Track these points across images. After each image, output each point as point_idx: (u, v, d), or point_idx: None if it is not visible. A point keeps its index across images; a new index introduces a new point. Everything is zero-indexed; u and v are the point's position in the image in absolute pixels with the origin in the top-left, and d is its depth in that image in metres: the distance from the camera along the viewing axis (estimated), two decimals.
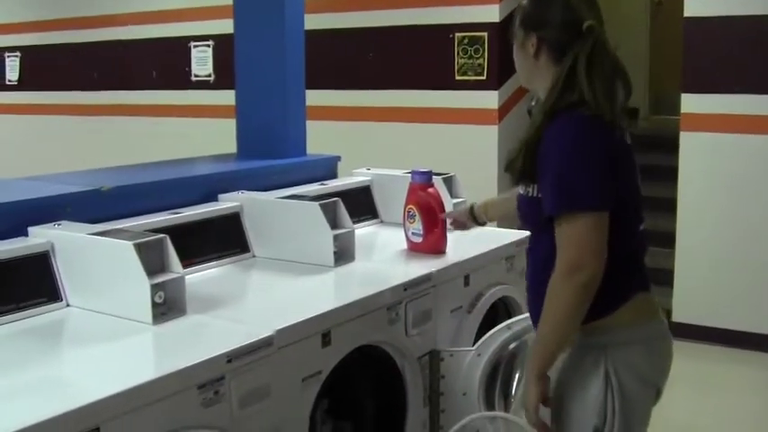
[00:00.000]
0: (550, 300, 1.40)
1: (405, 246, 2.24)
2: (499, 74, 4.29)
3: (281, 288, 1.97)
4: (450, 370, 2.05)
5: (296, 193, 2.31)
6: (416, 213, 2.13)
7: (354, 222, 2.26)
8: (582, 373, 1.47)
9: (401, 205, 2.42)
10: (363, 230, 2.53)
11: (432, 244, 2.11)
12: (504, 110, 4.33)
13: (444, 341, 2.10)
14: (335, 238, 2.10)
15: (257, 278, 2.10)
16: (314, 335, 1.69)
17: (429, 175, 2.05)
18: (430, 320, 2.05)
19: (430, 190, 2.12)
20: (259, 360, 1.54)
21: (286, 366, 1.62)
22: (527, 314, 1.74)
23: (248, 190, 2.33)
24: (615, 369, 1.43)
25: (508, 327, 2.00)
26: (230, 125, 2.94)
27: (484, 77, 4.33)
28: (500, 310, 2.33)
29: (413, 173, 2.08)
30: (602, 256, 1.36)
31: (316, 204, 2.13)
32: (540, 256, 1.48)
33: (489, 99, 4.33)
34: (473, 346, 2.08)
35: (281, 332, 1.61)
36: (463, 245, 2.23)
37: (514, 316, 2.14)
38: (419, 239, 2.12)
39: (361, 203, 2.61)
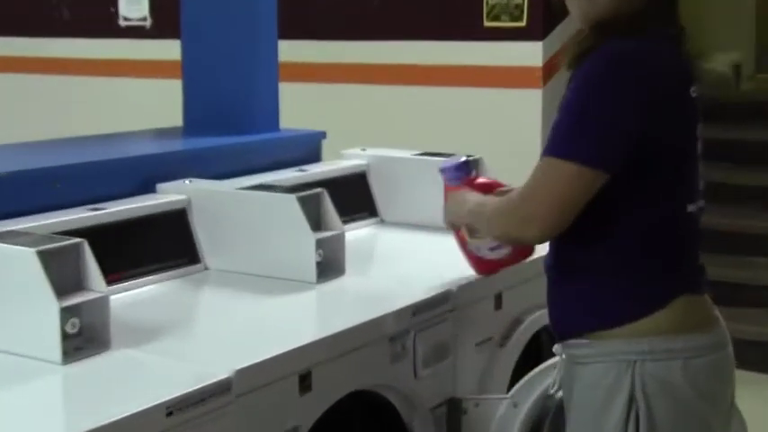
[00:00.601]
0: (491, 217, 1.65)
1: (412, 254, 2.33)
2: (544, 18, 4.24)
3: (242, 312, 1.99)
4: (477, 425, 2.07)
5: (265, 183, 2.34)
6: None
7: (345, 222, 2.30)
8: (599, 393, 1.51)
9: (408, 199, 2.40)
10: (357, 233, 2.58)
11: (523, 249, 2.03)
12: (550, 67, 4.26)
13: (467, 385, 2.13)
14: (319, 243, 2.13)
15: (210, 298, 2.14)
16: (288, 377, 1.70)
17: (466, 165, 1.98)
18: (448, 357, 2.07)
19: (480, 181, 2.02)
20: (212, 413, 1.54)
21: (251, 421, 1.62)
22: None
23: (199, 178, 2.36)
24: (644, 390, 1.49)
25: (555, 366, 1.98)
26: (174, 88, 2.93)
27: (523, 23, 4.29)
28: (544, 343, 2.36)
29: (444, 168, 1.96)
30: (563, 219, 1.49)
31: (292, 198, 2.15)
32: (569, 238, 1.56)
33: (531, 53, 4.28)
34: (507, 392, 2.10)
35: (241, 373, 1.60)
36: None
37: None
38: (503, 252, 2.03)
39: (353, 196, 2.65)
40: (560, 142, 1.51)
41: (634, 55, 1.50)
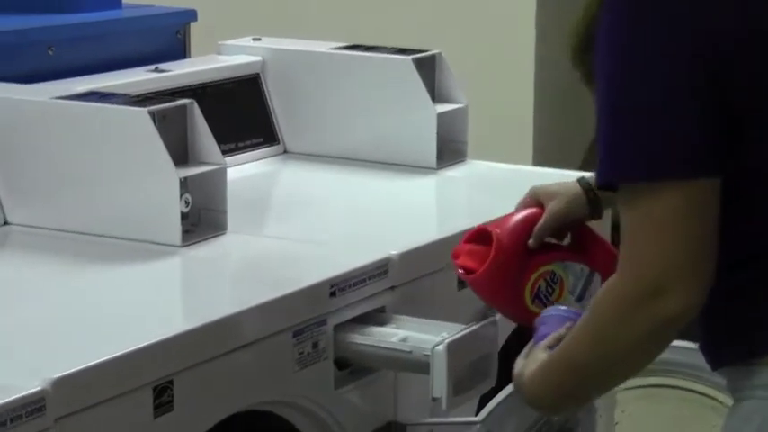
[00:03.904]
0: (595, 335, 1.56)
1: (330, 203, 2.53)
2: None
3: (53, 289, 2.04)
4: None
5: (99, 90, 2.36)
6: (567, 277, 2.11)
7: (228, 153, 2.43)
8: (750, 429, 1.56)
9: (324, 118, 2.55)
10: (246, 169, 2.66)
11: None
12: None
13: (415, 405, 2.15)
14: (185, 184, 2.16)
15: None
16: (138, 390, 1.71)
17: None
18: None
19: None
20: None
21: None
22: None
23: None
24: None
25: None
26: None
27: None
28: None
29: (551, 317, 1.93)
30: (704, 265, 1.47)
31: (143, 112, 2.17)
32: None
33: None
34: (476, 414, 2.13)
35: (59, 387, 1.59)
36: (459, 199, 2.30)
37: None
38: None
39: (240, 113, 2.74)
40: (625, 159, 1.48)
41: None
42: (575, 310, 1.88)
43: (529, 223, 2.03)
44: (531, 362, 1.69)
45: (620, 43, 1.49)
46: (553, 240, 2.07)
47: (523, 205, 2.08)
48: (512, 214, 2.06)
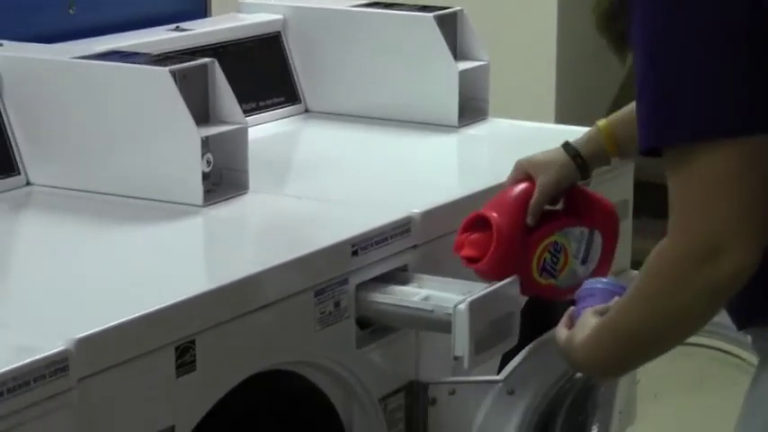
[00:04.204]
0: (648, 301, 1.54)
1: (351, 162, 2.53)
2: None
3: (74, 250, 2.05)
4: (451, 420, 2.11)
5: (120, 49, 2.36)
6: (569, 243, 2.15)
7: (249, 112, 2.44)
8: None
9: (346, 77, 2.55)
10: (267, 128, 2.67)
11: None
12: None
13: (437, 364, 2.16)
14: (206, 143, 2.17)
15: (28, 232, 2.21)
16: (159, 350, 1.72)
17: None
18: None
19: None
20: (42, 405, 1.54)
21: (96, 417, 1.64)
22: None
23: (8, 39, 2.39)
24: None
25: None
26: None
27: None
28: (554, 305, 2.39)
29: (590, 291, 1.94)
30: (761, 229, 1.46)
31: (164, 72, 2.17)
32: None
33: None
34: (497, 373, 2.13)
35: (83, 345, 1.60)
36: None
37: None
38: (573, 283, 2.13)
39: (261, 72, 2.74)
40: (674, 120, 1.46)
41: None
42: (620, 284, 1.90)
43: (523, 201, 2.06)
44: (581, 327, 1.69)
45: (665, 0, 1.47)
46: (548, 207, 2.10)
47: (513, 181, 2.10)
48: (504, 193, 2.08)
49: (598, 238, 2.15)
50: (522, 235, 2.05)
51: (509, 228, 2.03)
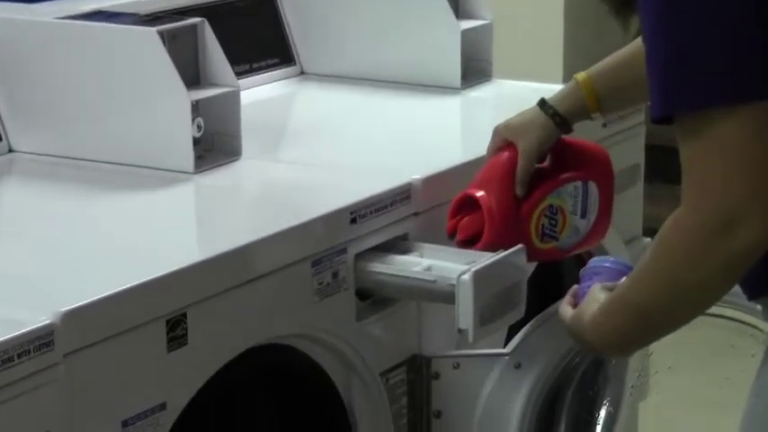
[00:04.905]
0: (661, 274, 1.54)
1: (348, 126, 2.55)
2: None
3: (60, 219, 2.06)
4: (455, 395, 2.12)
5: (106, 9, 2.37)
6: (564, 202, 2.17)
7: (241, 74, 2.43)
8: None
9: (344, 37, 2.56)
10: (261, 91, 2.68)
11: (599, 229, 2.24)
12: None
13: (440, 338, 2.17)
14: (197, 107, 2.17)
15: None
16: (150, 323, 1.72)
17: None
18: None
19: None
20: (28, 380, 1.54)
21: (84, 394, 1.65)
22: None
23: None
24: None
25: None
26: None
27: None
28: (565, 276, 2.42)
29: (597, 269, 1.96)
30: None
31: (152, 32, 2.18)
32: None
33: None
34: (504, 346, 2.13)
35: (68, 319, 1.60)
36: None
37: None
38: (576, 239, 2.21)
39: (255, 32, 2.76)
40: (689, 86, 1.45)
41: None
42: (627, 263, 1.90)
43: (508, 172, 2.07)
44: (589, 303, 1.68)
45: None
46: (536, 165, 2.11)
47: (494, 150, 2.11)
48: (488, 167, 2.09)
49: (593, 187, 2.16)
50: (515, 207, 2.07)
51: (499, 204, 2.05)
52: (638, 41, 1.81)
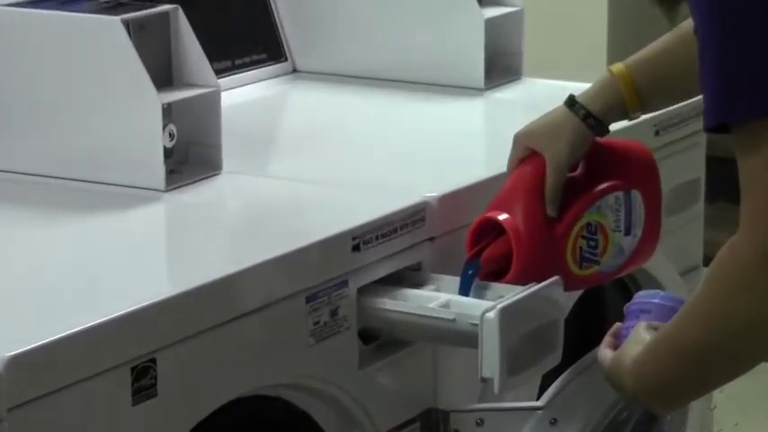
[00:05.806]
0: (716, 308, 1.56)
1: (350, 134, 2.55)
2: None
3: (7, 247, 2.07)
4: None
5: None
6: (604, 218, 2.18)
7: (223, 72, 2.46)
8: None
9: (341, 32, 2.57)
10: (246, 92, 2.73)
11: (647, 247, 2.26)
12: None
13: (459, 388, 2.19)
14: (168, 112, 2.20)
15: None
16: (112, 371, 1.74)
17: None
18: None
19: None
20: None
21: None
22: None
23: None
24: None
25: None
26: None
27: None
28: (609, 312, 2.43)
29: (644, 305, 2.00)
30: None
31: (115, 21, 2.21)
32: None
33: None
34: (537, 399, 2.18)
35: (14, 367, 1.60)
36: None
37: None
38: (621, 259, 2.23)
39: (239, 23, 2.79)
40: (749, 92, 1.47)
41: None
42: (680, 297, 1.90)
43: (535, 189, 2.08)
44: (632, 344, 1.70)
45: None
46: (568, 174, 2.12)
47: (516, 161, 2.12)
48: (510, 184, 2.10)
49: (637, 197, 2.17)
50: (546, 229, 2.08)
51: (528, 227, 2.05)
52: (687, 23, 1.81)
